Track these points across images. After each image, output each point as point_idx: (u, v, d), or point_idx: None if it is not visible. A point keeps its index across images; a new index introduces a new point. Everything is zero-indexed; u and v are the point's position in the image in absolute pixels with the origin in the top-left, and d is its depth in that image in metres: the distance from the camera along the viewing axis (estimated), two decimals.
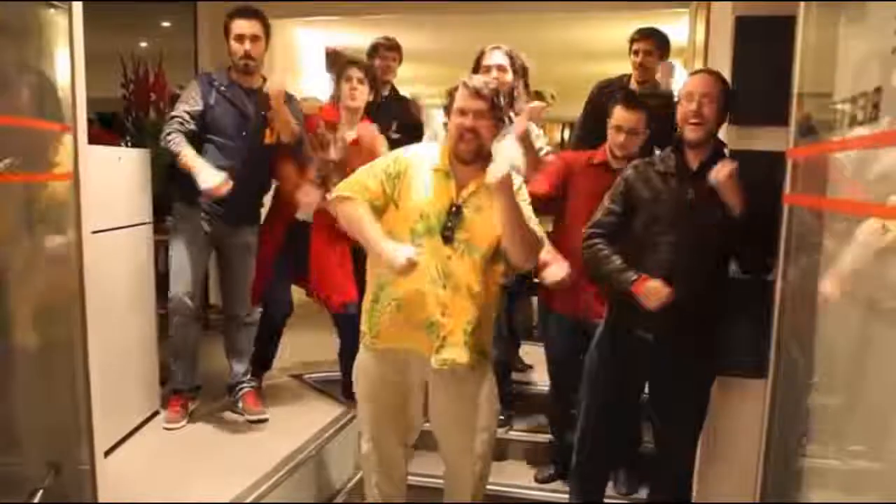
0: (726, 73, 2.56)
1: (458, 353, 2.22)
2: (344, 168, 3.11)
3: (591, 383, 2.61)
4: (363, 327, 2.36)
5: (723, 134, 2.55)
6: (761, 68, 2.44)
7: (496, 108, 2.21)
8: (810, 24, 2.02)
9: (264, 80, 3.21)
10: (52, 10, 2.10)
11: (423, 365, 2.27)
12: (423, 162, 2.27)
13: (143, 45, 5.35)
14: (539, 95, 4.82)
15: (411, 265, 2.09)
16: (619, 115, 2.78)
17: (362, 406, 2.42)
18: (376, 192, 2.22)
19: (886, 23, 1.44)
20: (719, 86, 2.32)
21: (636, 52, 3.60)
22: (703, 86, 2.30)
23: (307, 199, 3.17)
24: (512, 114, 2.90)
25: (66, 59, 2.11)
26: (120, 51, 4.53)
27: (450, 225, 2.21)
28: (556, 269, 2.63)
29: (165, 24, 5.60)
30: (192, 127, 3.05)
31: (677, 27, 4.86)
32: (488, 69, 3.00)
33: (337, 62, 3.75)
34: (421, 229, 2.21)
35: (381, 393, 2.36)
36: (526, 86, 3.29)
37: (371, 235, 2.17)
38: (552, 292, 2.88)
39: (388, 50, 3.96)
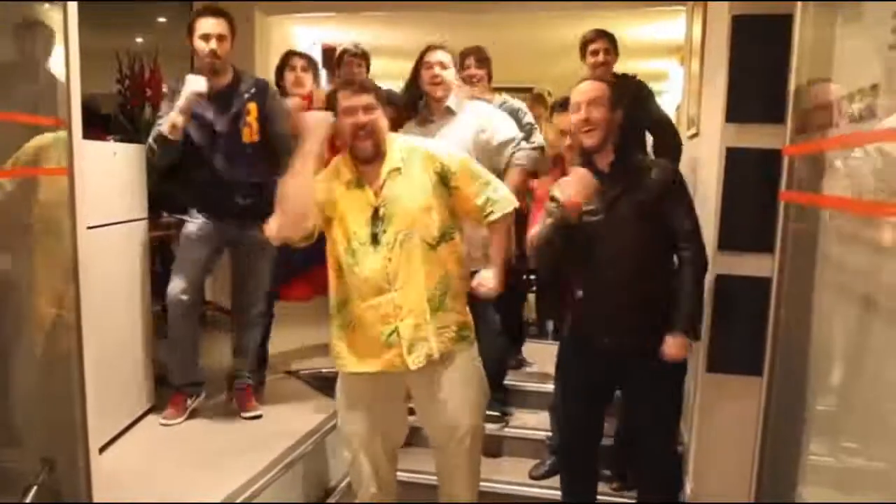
0: (723, 72, 2.56)
1: (428, 346, 2.23)
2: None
3: (561, 389, 2.63)
4: (332, 348, 2.36)
5: (719, 131, 2.56)
6: (758, 67, 2.44)
7: (380, 97, 2.21)
8: (807, 22, 2.02)
9: (235, 74, 3.18)
10: (46, 6, 2.09)
11: (398, 371, 2.26)
12: (336, 174, 2.27)
13: (139, 40, 5.34)
14: (539, 98, 4.83)
15: (320, 122, 2.15)
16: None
17: (343, 421, 2.41)
18: (321, 201, 2.23)
19: (883, 21, 1.44)
20: (603, 88, 2.35)
21: (595, 52, 3.48)
22: (588, 93, 2.34)
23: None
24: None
25: (60, 54, 2.11)
26: (115, 46, 4.52)
27: (376, 230, 2.20)
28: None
29: (161, 19, 5.59)
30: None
31: (674, 26, 4.87)
32: (430, 65, 3.12)
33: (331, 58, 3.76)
34: (354, 244, 2.21)
35: (360, 411, 2.34)
36: (489, 76, 3.61)
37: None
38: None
39: (353, 56, 3.93)
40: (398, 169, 2.23)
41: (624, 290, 2.32)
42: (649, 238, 2.32)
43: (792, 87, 2.08)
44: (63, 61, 2.11)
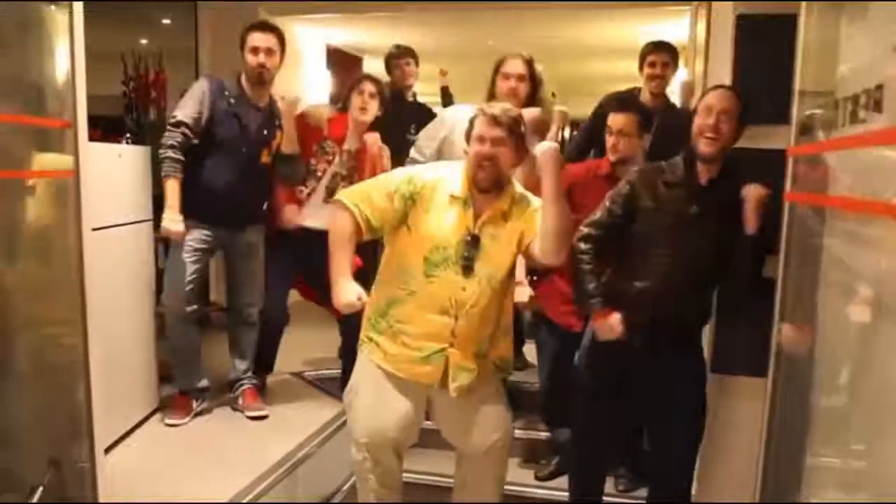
0: (727, 72, 2.56)
1: (469, 377, 2.24)
2: (350, 180, 3.23)
3: (580, 387, 2.62)
4: (363, 335, 2.35)
5: None
6: (762, 67, 2.44)
7: (515, 135, 2.16)
8: (811, 22, 2.02)
9: (272, 100, 3.27)
10: (52, 7, 2.10)
11: (426, 388, 2.27)
12: (441, 187, 2.23)
13: (144, 42, 5.35)
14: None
15: (349, 308, 2.16)
16: (611, 118, 2.81)
17: (357, 417, 2.35)
18: (381, 207, 2.19)
19: (888, 21, 1.44)
20: (738, 103, 2.29)
21: (652, 64, 3.47)
22: (724, 101, 2.28)
23: (290, 215, 3.27)
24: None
25: (66, 55, 2.12)
26: (121, 48, 4.53)
27: (468, 256, 2.19)
28: (519, 291, 2.57)
29: (166, 21, 5.60)
30: (194, 139, 3.07)
31: (678, 26, 4.86)
32: (507, 77, 2.99)
33: (347, 70, 3.78)
34: (436, 259, 2.19)
35: (379, 407, 2.31)
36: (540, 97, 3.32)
37: (338, 262, 2.19)
38: (545, 300, 2.92)
39: (399, 57, 3.98)
40: (506, 213, 2.22)
41: (683, 300, 2.34)
42: (716, 257, 2.33)
43: (797, 87, 2.07)
44: (69, 63, 2.12)
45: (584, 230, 2.44)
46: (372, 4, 4.88)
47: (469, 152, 2.20)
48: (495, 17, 5.47)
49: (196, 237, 3.16)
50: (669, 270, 2.32)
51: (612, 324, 2.35)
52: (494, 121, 2.15)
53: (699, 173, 2.33)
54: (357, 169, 3.33)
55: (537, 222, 2.19)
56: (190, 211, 3.10)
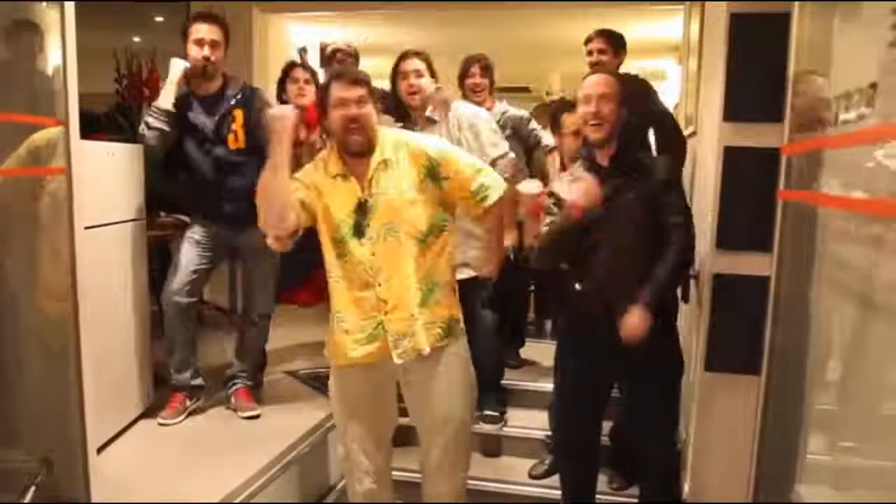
0: (721, 70, 2.56)
1: (415, 340, 2.23)
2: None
3: (559, 387, 2.64)
4: (325, 348, 2.39)
5: (717, 130, 2.56)
6: (756, 65, 2.44)
7: (373, 91, 2.21)
8: (804, 20, 2.02)
9: (224, 82, 3.19)
10: (44, 5, 2.09)
11: (386, 366, 2.28)
12: (321, 171, 2.26)
13: (137, 40, 5.33)
14: (544, 107, 4.84)
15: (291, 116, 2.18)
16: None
17: (336, 414, 2.42)
18: (301, 197, 2.22)
19: (881, 18, 1.44)
20: (614, 84, 2.36)
21: (590, 52, 3.44)
22: (598, 87, 2.35)
23: None
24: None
25: (58, 53, 2.11)
26: (113, 46, 4.52)
27: (360, 222, 2.20)
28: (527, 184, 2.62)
29: (158, 18, 5.58)
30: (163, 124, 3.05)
31: (672, 24, 4.87)
32: (406, 75, 3.09)
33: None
34: (340, 237, 2.22)
35: (351, 403, 2.36)
36: (491, 83, 3.61)
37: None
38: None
39: (346, 55, 3.94)
40: (386, 162, 2.22)
41: (621, 283, 2.32)
42: (646, 232, 2.33)
43: (790, 85, 2.08)
44: (60, 61, 2.11)
45: (535, 242, 2.50)
46: (365, 4, 4.88)
47: (332, 120, 2.20)
48: (489, 16, 5.47)
49: (197, 231, 3.17)
50: (605, 252, 2.34)
51: (584, 187, 2.31)
52: (355, 80, 2.17)
53: (598, 159, 2.40)
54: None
55: (463, 170, 2.25)
56: (191, 208, 3.12)
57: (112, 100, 4.53)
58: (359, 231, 2.20)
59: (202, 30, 3.06)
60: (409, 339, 2.22)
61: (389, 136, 2.28)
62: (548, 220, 2.44)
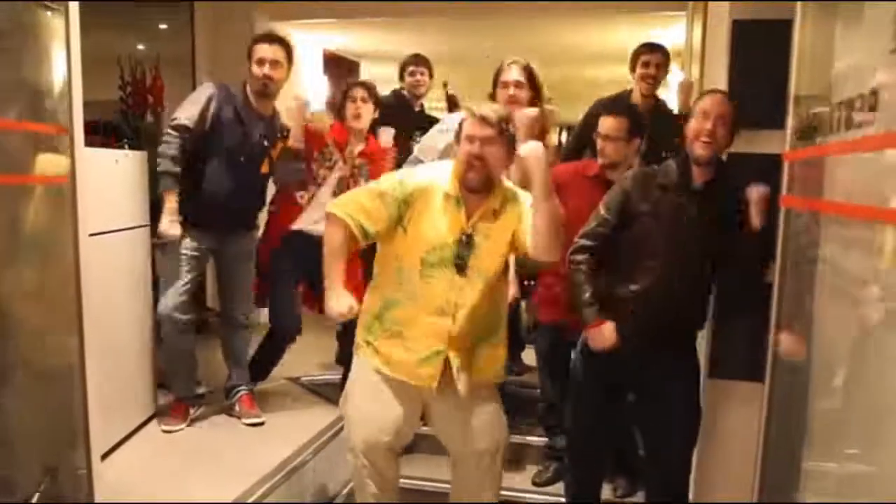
0: (723, 77, 2.56)
1: (468, 378, 2.25)
2: (356, 181, 3.28)
3: (575, 391, 2.62)
4: (359, 339, 2.35)
5: None
6: (758, 71, 2.44)
7: (505, 135, 2.17)
8: (806, 27, 2.03)
9: (275, 111, 3.27)
10: (48, 13, 2.10)
11: (422, 389, 2.27)
12: (433, 188, 2.23)
13: (141, 47, 5.35)
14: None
15: (341, 318, 2.22)
16: (601, 121, 2.81)
17: (353, 423, 2.37)
18: (375, 213, 2.19)
19: (883, 25, 1.44)
20: (733, 108, 2.30)
21: (646, 64, 3.47)
22: (719, 106, 2.28)
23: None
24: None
25: (62, 61, 2.11)
26: (117, 53, 4.53)
27: (462, 255, 2.20)
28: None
29: (163, 26, 5.60)
30: (189, 144, 3.07)
31: (674, 30, 4.88)
32: (506, 85, 2.99)
33: (344, 76, 3.79)
34: (433, 259, 2.20)
35: (375, 411, 2.31)
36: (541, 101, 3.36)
37: (333, 272, 2.21)
38: (541, 303, 2.94)
39: (414, 65, 4.01)
40: (497, 212, 2.23)
41: (677, 302, 2.33)
42: (709, 259, 2.34)
43: (792, 91, 2.08)
44: (65, 68, 2.12)
45: (579, 241, 2.44)
46: (369, 9, 4.89)
47: (458, 152, 2.21)
48: (492, 23, 5.48)
49: (191, 245, 3.16)
50: (665, 274, 2.32)
51: (605, 334, 2.36)
52: (484, 121, 2.15)
53: (694, 176, 2.34)
54: (369, 168, 3.36)
55: (529, 219, 2.19)
56: (187, 217, 3.10)
57: (116, 107, 4.53)
58: (461, 265, 2.20)
59: (264, 49, 3.12)
60: (462, 376, 2.24)
61: (508, 187, 2.29)
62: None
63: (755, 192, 2.24)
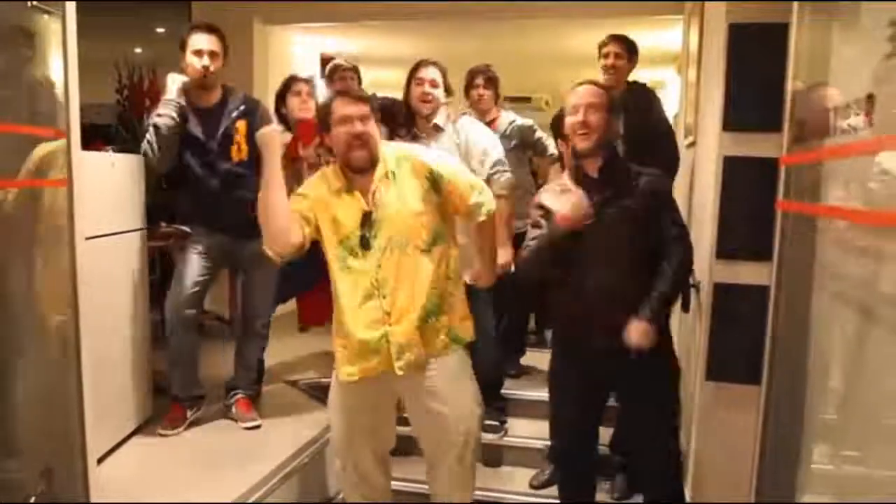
0: (720, 80, 2.57)
1: (416, 351, 2.24)
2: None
3: (552, 395, 2.62)
4: (335, 349, 2.37)
5: (716, 140, 2.56)
6: (755, 75, 2.45)
7: (375, 107, 2.24)
8: (803, 30, 2.03)
9: (224, 93, 3.19)
10: (46, 16, 2.09)
11: (389, 379, 2.27)
12: (322, 189, 2.28)
13: (138, 51, 5.36)
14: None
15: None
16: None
17: (333, 430, 2.43)
18: (303, 211, 2.24)
19: (879, 29, 1.45)
20: (603, 95, 2.36)
21: (606, 55, 3.49)
22: (587, 96, 2.35)
23: None
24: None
25: (59, 64, 2.11)
26: (115, 57, 4.53)
27: (363, 233, 2.22)
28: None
29: (160, 29, 5.60)
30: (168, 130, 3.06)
31: (671, 34, 4.89)
32: (421, 82, 3.14)
33: (341, 79, 3.78)
34: (345, 250, 2.23)
35: (350, 417, 2.36)
36: (497, 94, 3.65)
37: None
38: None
39: (346, 70, 3.97)
40: (390, 175, 2.24)
41: (611, 292, 2.32)
42: (636, 241, 2.34)
43: (789, 95, 2.08)
44: (62, 71, 2.12)
45: (523, 254, 2.47)
46: (366, 13, 4.89)
47: (335, 137, 2.22)
48: (489, 26, 5.49)
49: (199, 241, 3.17)
50: (597, 266, 2.33)
51: (574, 203, 2.30)
52: (357, 97, 2.20)
53: (588, 169, 2.39)
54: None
55: (453, 175, 2.28)
56: (191, 219, 3.11)
57: (113, 110, 4.54)
58: (365, 243, 2.21)
59: (201, 40, 3.06)
60: (413, 349, 2.23)
61: (391, 150, 2.31)
62: (535, 232, 2.43)
63: (634, 332, 2.25)
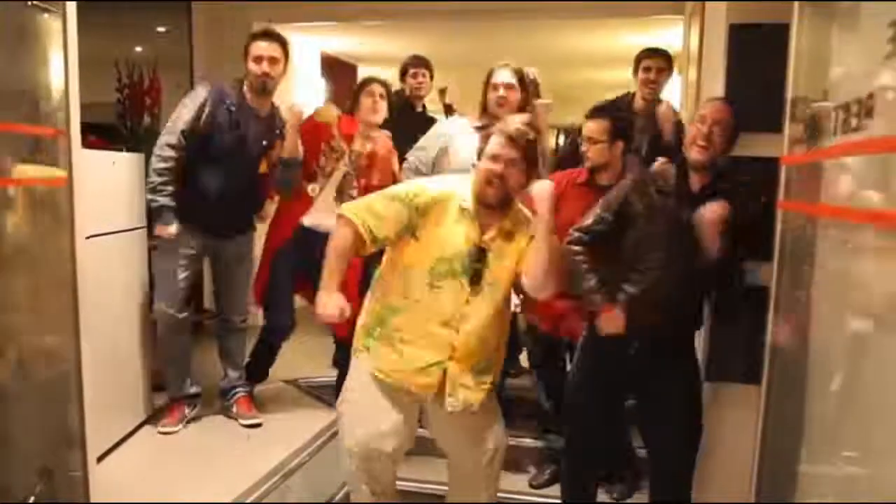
0: (720, 81, 2.57)
1: (469, 395, 2.23)
2: (359, 181, 3.28)
3: (575, 391, 2.61)
4: (358, 343, 2.33)
5: None
6: (755, 75, 2.45)
7: (528, 158, 2.17)
8: (803, 30, 2.03)
9: (274, 108, 3.26)
10: (46, 15, 2.10)
11: (421, 398, 2.27)
12: (450, 199, 2.22)
13: (138, 49, 5.35)
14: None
15: (330, 318, 2.16)
16: (584, 125, 2.85)
17: (349, 427, 2.33)
18: (386, 218, 2.17)
19: (879, 30, 1.45)
20: (732, 116, 2.32)
21: (647, 69, 3.49)
22: (717, 113, 2.31)
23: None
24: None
25: (60, 63, 2.11)
26: (115, 56, 4.53)
27: (476, 268, 2.19)
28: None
29: (160, 28, 5.60)
30: (182, 151, 3.07)
31: (671, 34, 4.88)
32: (496, 87, 3.05)
33: (341, 78, 3.77)
34: (442, 270, 2.18)
35: (372, 416, 2.28)
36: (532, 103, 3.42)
37: (330, 273, 2.18)
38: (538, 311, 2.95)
39: (415, 67, 4.02)
40: (510, 234, 2.23)
41: (676, 299, 2.34)
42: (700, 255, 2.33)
43: (789, 95, 2.08)
44: (62, 70, 2.12)
45: (575, 234, 2.44)
46: (367, 12, 4.89)
47: (479, 168, 2.20)
48: (489, 26, 5.48)
49: (187, 244, 3.15)
50: (662, 277, 2.33)
51: (615, 319, 2.35)
52: (511, 141, 2.15)
53: (691, 182, 2.35)
54: (366, 168, 3.35)
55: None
56: (183, 218, 3.09)
57: (113, 109, 4.53)
58: (476, 278, 2.19)
59: (261, 47, 3.12)
60: (464, 391, 2.23)
61: (521, 210, 2.30)
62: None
63: (708, 214, 2.24)
